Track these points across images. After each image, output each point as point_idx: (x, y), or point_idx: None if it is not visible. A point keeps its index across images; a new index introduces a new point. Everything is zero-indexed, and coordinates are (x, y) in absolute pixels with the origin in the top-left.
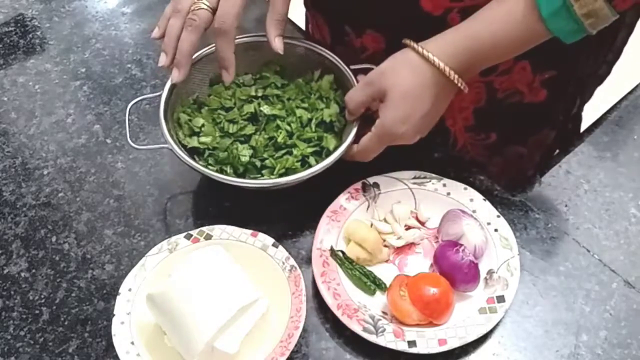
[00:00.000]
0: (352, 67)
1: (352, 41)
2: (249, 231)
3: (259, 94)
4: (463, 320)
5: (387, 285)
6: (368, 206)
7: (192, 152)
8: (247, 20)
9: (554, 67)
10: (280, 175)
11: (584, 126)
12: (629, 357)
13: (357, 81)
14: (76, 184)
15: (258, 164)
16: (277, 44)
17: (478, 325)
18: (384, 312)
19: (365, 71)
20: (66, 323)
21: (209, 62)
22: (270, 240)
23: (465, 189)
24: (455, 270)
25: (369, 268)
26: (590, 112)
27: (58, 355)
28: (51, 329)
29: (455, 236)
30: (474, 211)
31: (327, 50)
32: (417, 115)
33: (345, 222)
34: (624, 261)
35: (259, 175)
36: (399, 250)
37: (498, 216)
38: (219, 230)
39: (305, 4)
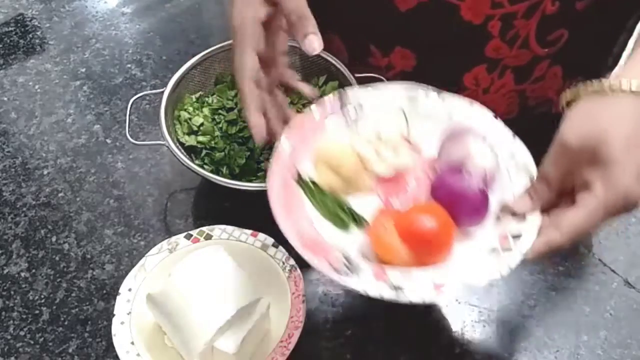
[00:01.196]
0: (358, 75)
1: (377, 61)
2: (249, 231)
3: None
4: (465, 262)
5: (367, 221)
6: (347, 123)
7: (190, 150)
8: None
9: (584, 72)
10: None
11: None
12: (629, 357)
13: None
14: (76, 184)
15: (254, 166)
16: (309, 46)
17: (487, 268)
18: (362, 254)
19: (371, 79)
20: (66, 323)
21: (215, 61)
22: (270, 240)
23: (471, 104)
24: (460, 200)
25: (345, 199)
26: None
27: (58, 355)
28: (51, 329)
29: (459, 159)
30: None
31: (333, 57)
32: None
33: (316, 141)
34: (624, 261)
35: (254, 178)
36: (385, 180)
37: (514, 136)
38: (219, 230)
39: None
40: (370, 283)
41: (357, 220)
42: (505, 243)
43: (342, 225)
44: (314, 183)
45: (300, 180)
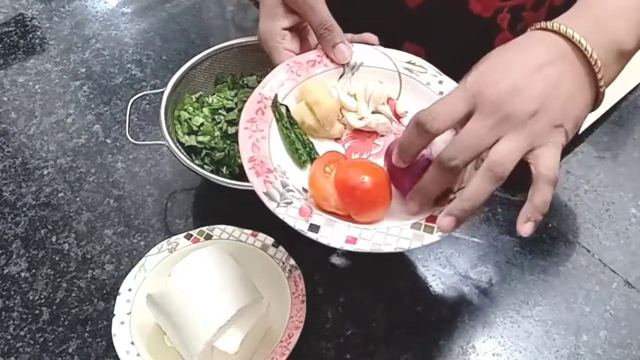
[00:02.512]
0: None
1: None
2: (249, 231)
3: None
4: (388, 229)
5: None
6: (342, 75)
7: (190, 150)
8: (248, 20)
9: None
10: None
11: (584, 126)
12: (629, 357)
13: None
14: (76, 184)
15: None
16: (339, 55)
17: (401, 239)
18: (304, 190)
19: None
20: (66, 323)
21: (215, 61)
22: (270, 240)
23: None
24: (403, 170)
25: (311, 139)
26: (590, 112)
27: (58, 355)
28: (51, 329)
29: None
30: None
31: None
32: (535, 86)
33: (305, 80)
34: (624, 261)
35: None
36: (356, 134)
37: None
38: (219, 230)
39: None
40: (292, 216)
41: (313, 159)
42: (430, 222)
43: (298, 160)
44: (287, 110)
45: (275, 104)
